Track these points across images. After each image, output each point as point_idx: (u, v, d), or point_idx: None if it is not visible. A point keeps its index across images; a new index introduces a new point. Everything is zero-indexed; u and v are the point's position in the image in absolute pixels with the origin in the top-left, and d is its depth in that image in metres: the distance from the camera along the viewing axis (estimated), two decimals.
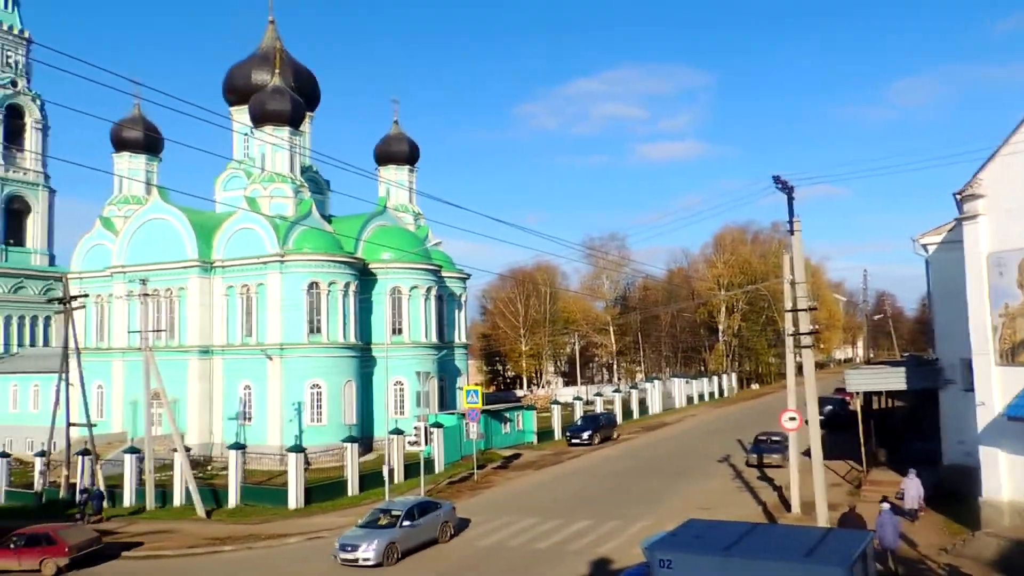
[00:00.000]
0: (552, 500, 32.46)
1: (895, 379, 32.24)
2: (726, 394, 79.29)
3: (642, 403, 64.51)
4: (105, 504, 36.21)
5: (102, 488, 36.62)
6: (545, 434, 51.71)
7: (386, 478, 32.81)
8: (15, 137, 68.27)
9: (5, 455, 42.72)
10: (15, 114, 68.10)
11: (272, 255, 48.02)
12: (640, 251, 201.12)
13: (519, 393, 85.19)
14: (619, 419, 56.70)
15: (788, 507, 27.90)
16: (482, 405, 42.32)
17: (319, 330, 47.88)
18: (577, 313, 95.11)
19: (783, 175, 24.25)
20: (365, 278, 51.28)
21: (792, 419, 26.25)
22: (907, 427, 40.33)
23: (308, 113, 57.81)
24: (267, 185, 50.99)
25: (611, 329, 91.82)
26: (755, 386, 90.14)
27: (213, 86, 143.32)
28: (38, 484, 40.09)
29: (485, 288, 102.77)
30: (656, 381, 70.65)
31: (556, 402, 57.81)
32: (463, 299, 61.90)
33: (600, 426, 50.09)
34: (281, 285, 47.72)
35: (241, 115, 54.72)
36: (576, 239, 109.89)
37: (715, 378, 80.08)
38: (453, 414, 46.19)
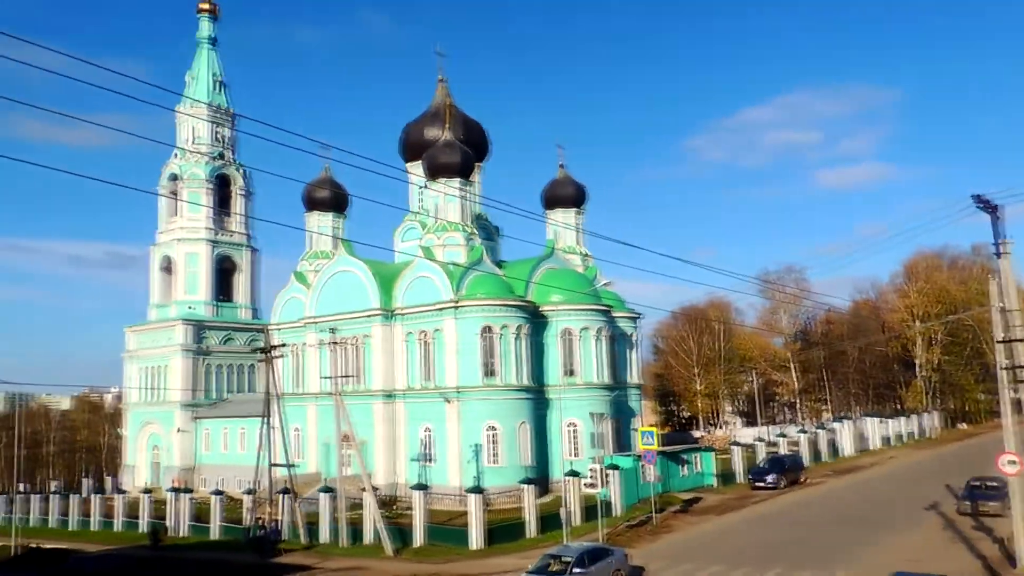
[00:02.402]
0: (737, 547, 30.92)
1: None
2: (928, 434, 72.45)
3: (831, 444, 60.36)
4: (303, 540, 39.21)
5: (278, 526, 40.89)
6: (726, 477, 49.53)
7: (564, 521, 32.71)
8: (224, 203, 76.26)
9: (219, 493, 46.84)
10: (224, 183, 76.12)
11: (447, 302, 49.97)
12: (821, 283, 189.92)
13: (696, 434, 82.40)
14: (806, 461, 53.33)
15: (1013, 562, 24.93)
16: (658, 446, 41.27)
17: (494, 373, 49.00)
18: (754, 350, 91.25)
19: (984, 193, 22.27)
20: (536, 321, 52.02)
21: (1012, 462, 23.71)
22: None
23: (477, 163, 60.15)
24: (440, 234, 53.38)
25: (792, 366, 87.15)
26: (963, 425, 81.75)
27: (391, 144, 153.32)
28: (247, 520, 43.58)
29: (657, 327, 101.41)
30: (846, 420, 65.98)
31: (736, 443, 55.41)
32: (635, 339, 61.16)
33: (786, 469, 47.45)
34: (456, 330, 49.47)
35: (416, 169, 57.98)
36: (750, 273, 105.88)
37: (914, 417, 73.48)
38: (629, 456, 45.36)
